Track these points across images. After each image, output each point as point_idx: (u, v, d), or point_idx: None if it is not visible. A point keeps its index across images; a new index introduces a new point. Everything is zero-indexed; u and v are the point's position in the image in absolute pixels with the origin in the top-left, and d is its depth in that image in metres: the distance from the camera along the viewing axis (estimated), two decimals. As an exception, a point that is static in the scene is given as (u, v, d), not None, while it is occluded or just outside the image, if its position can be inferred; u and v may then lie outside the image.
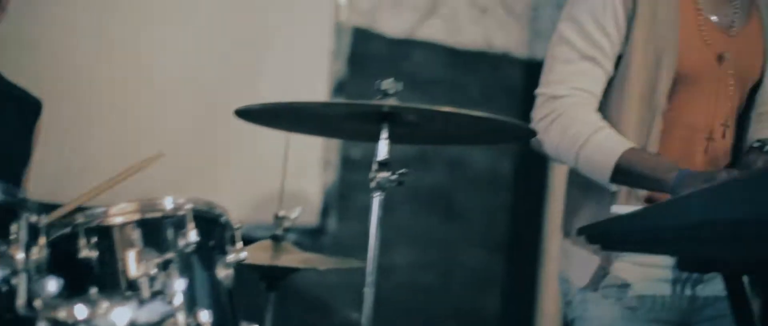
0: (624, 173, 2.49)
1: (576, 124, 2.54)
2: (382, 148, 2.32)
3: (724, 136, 2.70)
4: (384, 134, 2.31)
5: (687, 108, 2.65)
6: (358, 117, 2.41)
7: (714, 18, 2.68)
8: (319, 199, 4.35)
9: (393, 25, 4.58)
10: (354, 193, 4.40)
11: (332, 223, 4.39)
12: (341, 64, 4.35)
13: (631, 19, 2.60)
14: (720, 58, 2.66)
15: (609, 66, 2.62)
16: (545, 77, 2.66)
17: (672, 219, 2.01)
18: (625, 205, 2.42)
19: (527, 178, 4.98)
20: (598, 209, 2.62)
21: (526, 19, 4.96)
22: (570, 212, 2.73)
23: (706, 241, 2.00)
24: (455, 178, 4.82)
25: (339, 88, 4.33)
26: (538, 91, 2.66)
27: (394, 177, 2.33)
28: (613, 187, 2.55)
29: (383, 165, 2.32)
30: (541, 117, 2.62)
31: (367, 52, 4.49)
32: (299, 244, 3.67)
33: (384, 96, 2.30)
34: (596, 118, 2.59)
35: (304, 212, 4.15)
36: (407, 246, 4.66)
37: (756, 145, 2.66)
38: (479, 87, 4.86)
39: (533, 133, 2.55)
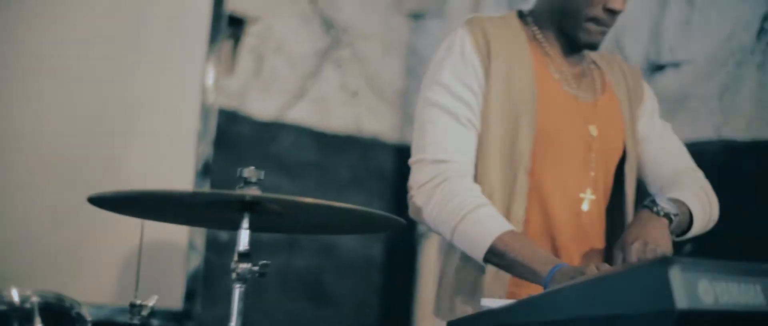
0: (498, 255, 2.46)
1: (459, 195, 2.52)
2: (243, 238, 2.23)
3: (590, 205, 2.70)
4: (245, 224, 2.22)
5: (554, 171, 2.67)
6: (219, 205, 2.31)
7: (574, 91, 2.74)
8: (183, 283, 4.23)
9: (261, 107, 4.53)
10: (221, 277, 4.29)
11: (198, 308, 4.26)
12: (207, 146, 4.26)
13: (487, 77, 2.64)
14: (586, 128, 2.70)
15: (478, 123, 2.64)
16: (421, 142, 2.64)
17: (543, 314, 1.95)
18: (496, 299, 2.37)
19: (397, 261, 4.94)
20: (470, 291, 2.59)
21: (396, 103, 4.95)
22: (442, 293, 2.69)
23: (578, 336, 1.95)
24: (325, 262, 4.75)
25: (205, 170, 4.23)
26: (417, 157, 2.63)
27: (255, 268, 2.23)
28: (489, 267, 2.52)
29: (244, 256, 2.22)
30: (423, 182, 2.58)
31: (234, 135, 4.42)
32: (162, 331, 3.56)
33: (246, 184, 2.21)
34: (478, 192, 2.57)
35: (169, 296, 4.06)
36: (276, 332, 4.58)
37: (644, 203, 2.65)
38: (349, 171, 4.82)
39: (402, 224, 2.49)
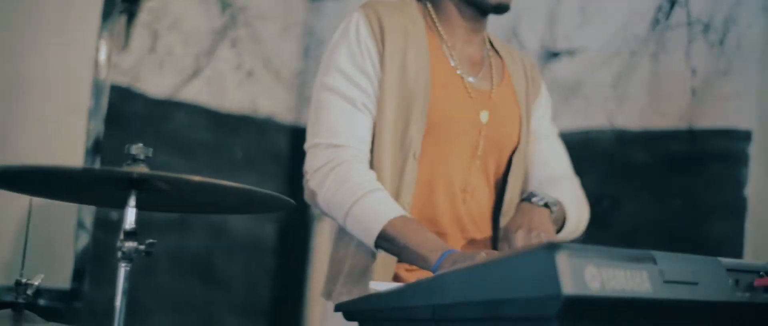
0: (389, 240, 2.46)
1: (353, 179, 2.52)
2: (130, 217, 2.19)
3: (473, 193, 2.72)
4: (132, 202, 2.18)
5: (441, 159, 2.68)
6: (106, 183, 2.26)
7: (471, 79, 2.74)
8: (72, 262, 4.17)
9: (155, 84, 4.47)
10: (110, 256, 4.22)
11: (86, 287, 4.20)
12: (98, 123, 4.18)
13: (382, 62, 2.64)
14: (478, 115, 2.68)
15: (373, 107, 2.64)
16: (317, 127, 2.64)
17: (431, 297, 1.96)
18: (384, 282, 2.37)
19: (290, 243, 4.93)
20: (361, 275, 2.59)
21: (292, 84, 4.94)
22: (333, 275, 2.69)
23: (464, 321, 1.95)
24: (217, 242, 4.72)
25: (95, 147, 4.16)
26: (313, 141, 2.63)
27: (141, 247, 2.19)
28: (379, 252, 2.52)
29: (130, 234, 2.19)
30: (318, 166, 2.58)
31: (127, 112, 4.36)
32: (51, 310, 3.49)
33: (133, 161, 2.18)
34: (372, 178, 2.57)
35: (57, 275, 3.99)
36: (167, 312, 4.52)
37: (524, 197, 2.69)
38: (244, 151, 4.80)
39: (291, 204, 2.48)
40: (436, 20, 2.78)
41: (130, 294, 2.24)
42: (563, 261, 1.70)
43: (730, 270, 2.08)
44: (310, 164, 2.62)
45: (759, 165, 3.78)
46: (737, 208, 3.79)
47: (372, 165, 2.63)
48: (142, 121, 4.45)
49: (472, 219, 2.73)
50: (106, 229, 4.24)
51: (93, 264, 4.22)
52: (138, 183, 2.19)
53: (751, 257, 3.70)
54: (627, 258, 1.84)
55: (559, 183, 2.89)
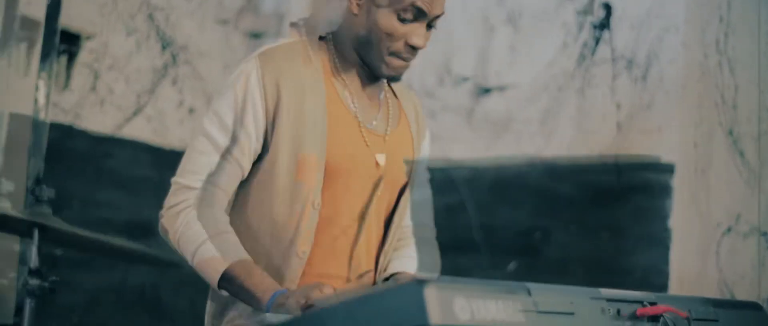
0: (229, 281, 2.52)
1: (201, 221, 2.54)
2: (34, 256, 2.26)
3: (372, 234, 2.78)
4: (35, 242, 2.25)
5: (340, 205, 2.70)
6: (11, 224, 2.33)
7: (368, 125, 2.74)
8: (13, 297, 4.19)
9: (97, 123, 4.50)
10: (52, 292, 4.26)
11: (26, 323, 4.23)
12: (39, 161, 4.22)
13: (275, 116, 2.62)
14: (375, 159, 2.73)
15: (245, 162, 2.63)
16: (182, 166, 2.65)
17: (321, 328, 2.03)
18: (280, 314, 2.43)
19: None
20: (220, 314, 2.68)
21: (233, 120, 4.98)
22: (216, 311, 2.74)
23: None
24: (163, 277, 4.74)
25: (36, 185, 4.19)
26: (173, 179, 2.65)
27: (46, 284, 2.27)
28: (224, 293, 2.57)
29: (34, 272, 2.26)
30: (171, 205, 2.60)
31: (68, 150, 4.39)
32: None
33: (37, 202, 2.25)
34: (221, 220, 2.60)
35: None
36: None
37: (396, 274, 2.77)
38: (186, 187, 4.82)
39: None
40: (337, 63, 2.74)
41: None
42: (431, 294, 1.77)
43: (612, 300, 2.16)
44: (167, 201, 2.63)
45: (682, 197, 3.86)
46: (662, 239, 3.87)
47: (261, 218, 2.65)
48: (83, 159, 4.47)
49: (360, 258, 2.77)
50: (48, 265, 4.28)
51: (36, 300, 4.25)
52: (39, 224, 2.25)
53: (676, 286, 3.78)
54: (500, 291, 1.91)
55: (421, 242, 2.97)
